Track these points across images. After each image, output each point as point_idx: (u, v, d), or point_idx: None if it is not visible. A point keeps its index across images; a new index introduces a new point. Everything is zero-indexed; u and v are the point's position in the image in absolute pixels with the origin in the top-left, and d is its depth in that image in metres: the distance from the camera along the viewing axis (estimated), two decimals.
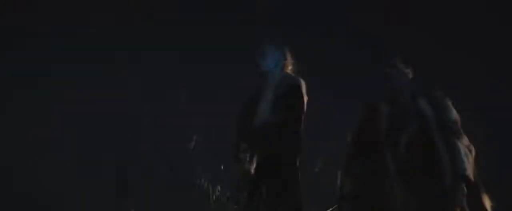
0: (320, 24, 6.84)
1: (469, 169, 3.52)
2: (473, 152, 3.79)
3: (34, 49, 6.94)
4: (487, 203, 3.75)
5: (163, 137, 7.18)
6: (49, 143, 7.00)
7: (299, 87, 3.93)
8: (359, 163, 3.46)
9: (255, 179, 3.77)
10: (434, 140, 3.50)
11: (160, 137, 7.20)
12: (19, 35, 7.02)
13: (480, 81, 6.57)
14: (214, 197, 5.80)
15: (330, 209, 3.73)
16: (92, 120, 7.15)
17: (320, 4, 6.96)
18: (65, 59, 7.01)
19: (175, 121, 7.17)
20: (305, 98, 3.93)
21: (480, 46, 6.55)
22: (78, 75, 7.03)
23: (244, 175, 3.83)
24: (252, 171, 3.78)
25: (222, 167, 5.85)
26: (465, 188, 3.45)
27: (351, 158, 3.51)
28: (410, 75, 3.74)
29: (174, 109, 7.17)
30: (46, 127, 7.03)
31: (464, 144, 3.60)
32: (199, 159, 6.80)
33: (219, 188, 5.84)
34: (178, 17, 7.14)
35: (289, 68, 4.13)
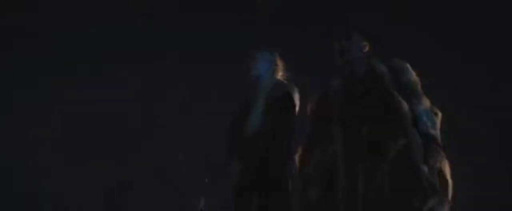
0: (320, 24, 6.83)
1: (430, 128, 3.40)
2: (439, 115, 3.68)
3: (34, 49, 6.93)
4: (447, 168, 3.64)
5: (163, 136, 7.18)
6: (49, 143, 7.00)
7: (290, 94, 3.90)
8: (315, 142, 3.40)
9: (246, 188, 3.75)
10: (394, 101, 3.37)
11: (160, 136, 7.20)
12: (19, 35, 7.02)
13: (480, 81, 6.56)
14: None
15: None
16: (92, 120, 7.15)
17: (320, 4, 6.96)
18: (65, 59, 7.01)
19: (175, 121, 7.16)
20: (297, 106, 3.90)
21: (480, 46, 6.55)
22: (78, 75, 7.03)
23: (235, 183, 3.82)
24: (244, 179, 3.76)
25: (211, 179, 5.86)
26: (436, 147, 3.36)
27: (309, 138, 3.46)
28: (366, 49, 3.65)
29: (174, 109, 7.17)
30: (46, 127, 7.03)
31: (426, 105, 3.48)
32: (197, 161, 6.81)
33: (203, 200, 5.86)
34: (178, 17, 7.14)
35: (280, 74, 4.10)
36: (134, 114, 7.24)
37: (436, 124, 3.44)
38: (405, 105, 3.35)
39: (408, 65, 3.55)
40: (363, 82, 3.44)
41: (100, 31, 7.06)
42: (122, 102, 7.17)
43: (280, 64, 4.10)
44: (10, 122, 6.98)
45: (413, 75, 3.53)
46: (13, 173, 6.85)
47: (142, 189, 7.02)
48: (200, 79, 7.02)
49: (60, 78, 6.97)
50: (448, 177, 3.64)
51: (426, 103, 3.49)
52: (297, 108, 3.90)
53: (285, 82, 4.02)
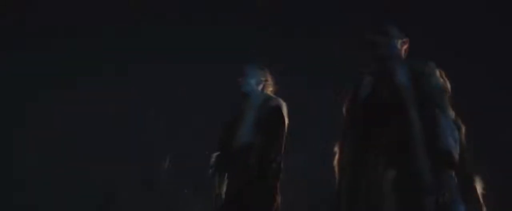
0: (320, 24, 6.84)
1: (453, 145, 3.03)
2: (463, 129, 3.43)
3: (34, 49, 6.93)
4: (478, 185, 3.41)
5: (162, 134, 7.19)
6: (49, 143, 6.99)
7: (280, 109, 3.90)
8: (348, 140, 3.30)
9: (233, 200, 3.74)
10: (407, 112, 3.08)
11: (160, 134, 7.20)
12: (19, 35, 7.02)
13: (480, 81, 6.56)
14: None
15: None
16: (92, 120, 7.15)
17: (320, 4, 6.96)
18: (65, 59, 7.01)
19: (175, 119, 7.17)
20: (286, 121, 3.90)
21: (480, 46, 6.55)
22: (78, 75, 7.03)
23: (222, 194, 3.82)
24: (231, 191, 3.76)
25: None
26: (449, 167, 2.99)
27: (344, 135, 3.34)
28: (406, 46, 3.41)
29: (173, 108, 7.17)
30: (46, 127, 7.02)
31: (449, 117, 3.14)
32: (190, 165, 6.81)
33: None
34: (178, 17, 7.14)
35: (270, 89, 4.09)
36: (134, 113, 7.24)
37: (457, 141, 3.09)
38: (417, 127, 3.05)
39: (435, 69, 3.26)
40: (380, 95, 3.20)
41: (100, 31, 7.06)
42: (122, 102, 7.17)
43: (269, 79, 4.10)
44: (10, 122, 6.97)
45: (439, 81, 3.22)
46: (13, 186, 6.85)
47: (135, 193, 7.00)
48: (200, 79, 7.02)
49: (60, 78, 6.96)
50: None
51: (451, 114, 3.17)
52: (286, 123, 3.90)
53: (275, 97, 4.01)
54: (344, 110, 3.38)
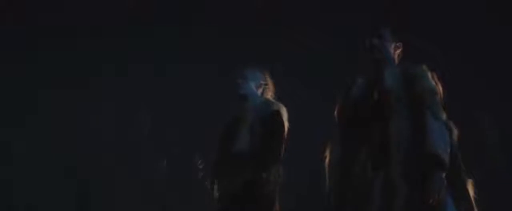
0: (319, 24, 6.84)
1: (442, 147, 3.01)
2: (455, 131, 3.46)
3: (34, 49, 6.93)
4: (471, 188, 3.42)
5: (163, 133, 7.19)
6: (49, 143, 6.99)
7: (279, 113, 3.87)
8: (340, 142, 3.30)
9: (231, 208, 3.73)
10: (393, 115, 3.08)
11: (161, 133, 7.21)
12: (21, 35, 7.02)
13: (480, 81, 6.56)
14: None
15: None
16: (92, 120, 7.15)
17: (320, 4, 6.96)
18: (66, 59, 7.01)
19: (176, 117, 7.17)
20: (286, 124, 3.87)
21: (480, 46, 6.55)
22: (78, 75, 7.03)
23: (219, 199, 3.80)
24: (228, 198, 3.74)
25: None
26: (437, 169, 2.96)
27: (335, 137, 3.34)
28: (399, 50, 3.40)
29: (172, 108, 7.17)
30: (46, 126, 7.02)
31: (440, 119, 3.10)
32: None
33: None
34: (178, 17, 7.14)
35: (270, 94, 4.07)
36: (134, 114, 7.24)
37: (447, 144, 3.06)
38: (403, 130, 3.05)
39: (426, 71, 3.23)
40: (370, 97, 3.21)
41: (100, 31, 7.06)
42: (121, 102, 7.17)
43: (269, 83, 4.08)
44: (12, 122, 6.97)
45: (431, 83, 3.19)
46: (13, 186, 6.84)
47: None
48: (200, 79, 7.02)
49: (62, 78, 6.95)
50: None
51: (442, 116, 3.14)
52: (286, 127, 3.88)
53: (274, 101, 3.99)
54: (335, 111, 3.40)
